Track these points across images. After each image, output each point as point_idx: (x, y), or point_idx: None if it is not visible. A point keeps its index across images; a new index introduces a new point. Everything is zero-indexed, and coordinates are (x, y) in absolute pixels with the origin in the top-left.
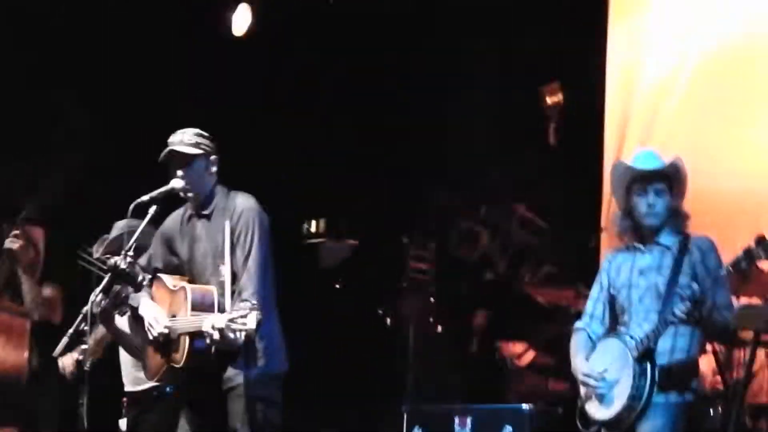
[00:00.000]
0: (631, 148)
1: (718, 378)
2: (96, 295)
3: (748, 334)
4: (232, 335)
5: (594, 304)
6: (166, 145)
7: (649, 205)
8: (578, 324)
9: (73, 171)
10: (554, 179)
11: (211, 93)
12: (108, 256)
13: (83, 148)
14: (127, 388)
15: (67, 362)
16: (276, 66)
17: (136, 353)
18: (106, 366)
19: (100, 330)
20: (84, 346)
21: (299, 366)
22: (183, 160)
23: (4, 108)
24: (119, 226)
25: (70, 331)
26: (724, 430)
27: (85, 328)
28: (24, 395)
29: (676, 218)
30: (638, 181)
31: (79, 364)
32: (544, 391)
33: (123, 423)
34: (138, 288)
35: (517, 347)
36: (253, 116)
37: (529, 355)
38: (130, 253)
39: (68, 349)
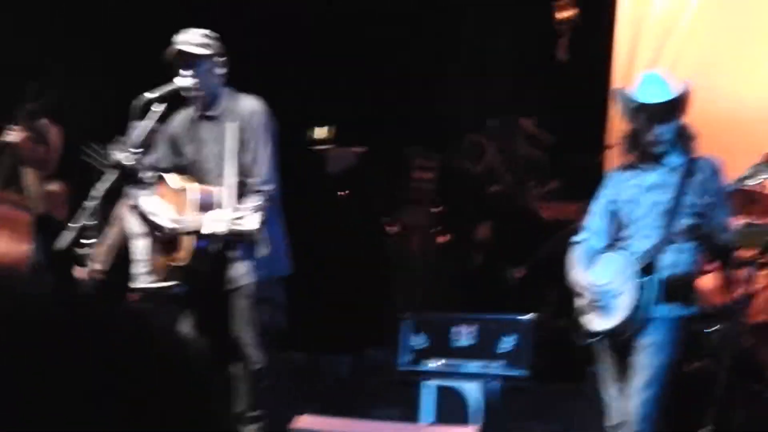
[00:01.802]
0: (642, 66)
1: (720, 297)
2: (98, 191)
3: (748, 253)
4: (238, 226)
5: (594, 219)
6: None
7: (657, 134)
8: (577, 238)
9: (80, 69)
10: (562, 95)
11: None
12: (112, 152)
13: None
14: (133, 284)
15: (81, 274)
16: None
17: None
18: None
19: (110, 235)
20: (97, 264)
21: (302, 271)
22: (189, 60)
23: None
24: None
25: (73, 224)
26: (722, 349)
27: (88, 223)
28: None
29: (683, 138)
30: (644, 111)
31: (93, 276)
32: None
33: None
34: (143, 186)
35: None
36: (264, 20)
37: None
38: (134, 150)
39: (73, 247)
